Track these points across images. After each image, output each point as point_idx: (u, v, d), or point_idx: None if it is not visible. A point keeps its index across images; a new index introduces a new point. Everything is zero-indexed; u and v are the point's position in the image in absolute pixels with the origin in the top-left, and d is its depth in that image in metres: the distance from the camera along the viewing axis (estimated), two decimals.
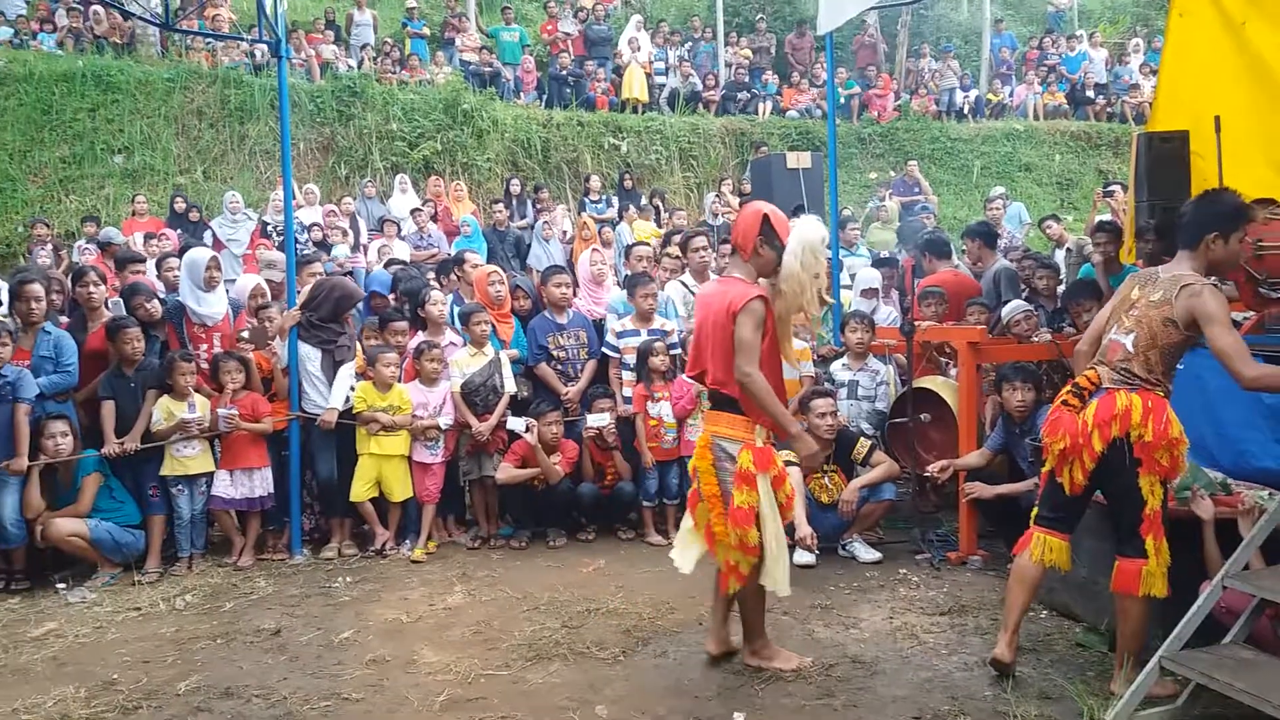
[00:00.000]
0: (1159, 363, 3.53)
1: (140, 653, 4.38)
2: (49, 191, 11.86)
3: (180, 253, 7.15)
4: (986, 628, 4.34)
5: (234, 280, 7.17)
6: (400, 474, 5.94)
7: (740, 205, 12.07)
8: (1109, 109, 17.00)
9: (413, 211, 11.39)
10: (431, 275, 7.66)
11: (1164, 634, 3.36)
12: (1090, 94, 16.98)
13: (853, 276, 7.89)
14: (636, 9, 18.48)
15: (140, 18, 11.46)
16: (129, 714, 3.78)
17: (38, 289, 5.58)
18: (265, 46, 10.78)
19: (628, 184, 13.25)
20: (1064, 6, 19.72)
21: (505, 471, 5.85)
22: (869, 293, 7.29)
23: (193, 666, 4.20)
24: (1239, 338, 3.44)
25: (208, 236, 10.37)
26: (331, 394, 5.90)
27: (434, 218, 11.47)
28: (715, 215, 12.48)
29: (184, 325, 6.03)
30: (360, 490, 5.87)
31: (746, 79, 16.35)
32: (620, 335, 6.31)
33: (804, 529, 4.94)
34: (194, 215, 11.01)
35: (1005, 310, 5.95)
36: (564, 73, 15.26)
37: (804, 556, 5.25)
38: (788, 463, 4.26)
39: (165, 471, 5.63)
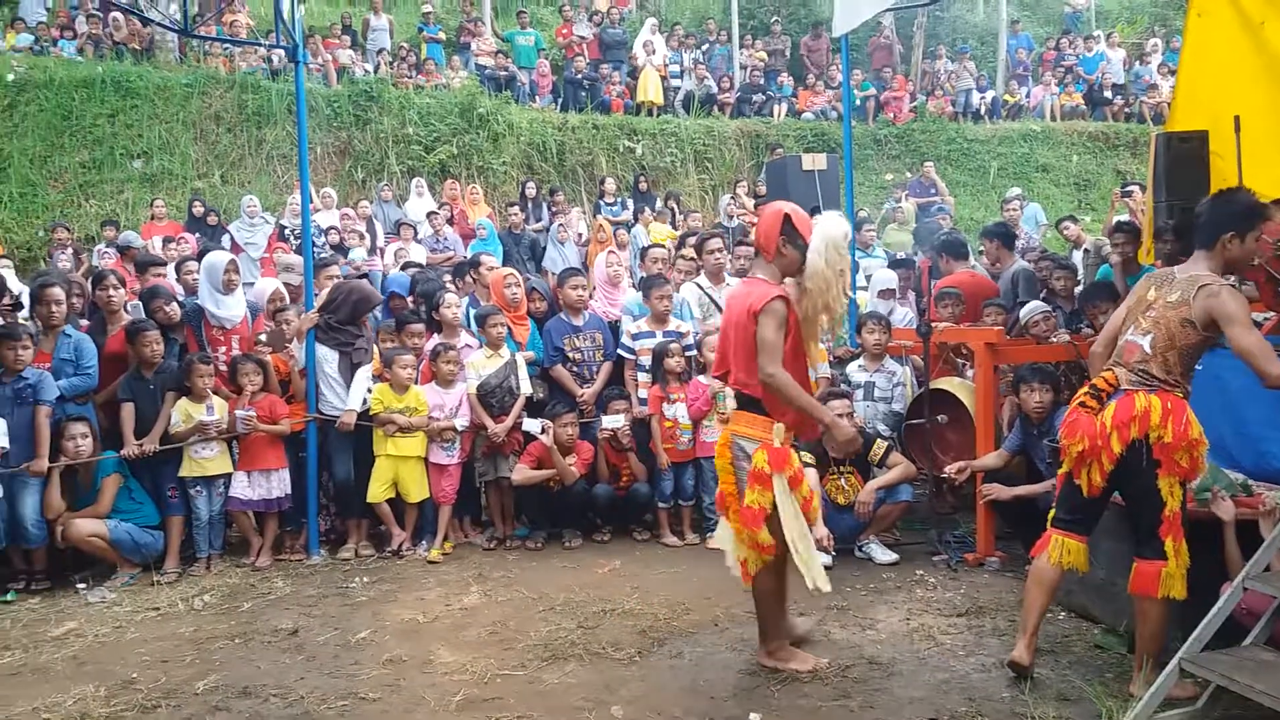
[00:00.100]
0: (1178, 364, 3.51)
1: (159, 652, 4.41)
2: (69, 196, 11.99)
3: (199, 256, 7.20)
4: (1004, 629, 4.32)
5: (252, 283, 7.22)
6: (417, 475, 5.96)
7: (755, 207, 12.11)
8: (1127, 109, 16.87)
9: (429, 215, 11.44)
10: (448, 278, 7.69)
11: (1183, 635, 3.33)
12: (1108, 94, 16.85)
13: (869, 278, 7.87)
14: (651, 12, 18.52)
15: (159, 24, 11.61)
16: (148, 713, 3.80)
17: (58, 292, 5.65)
18: (282, 52, 10.83)
19: (643, 186, 13.29)
20: (1081, 7, 19.57)
21: (521, 473, 5.86)
22: (886, 294, 7.26)
23: (211, 666, 4.23)
24: (1261, 337, 3.41)
25: (226, 240, 10.42)
26: (349, 396, 5.94)
27: (450, 221, 11.50)
28: (730, 217, 12.47)
29: (202, 328, 6.08)
30: (377, 491, 5.90)
31: (761, 81, 16.32)
32: (635, 337, 6.32)
33: (820, 530, 4.93)
34: (212, 219, 11.08)
35: (1023, 311, 5.91)
36: (579, 76, 15.28)
37: (820, 558, 5.22)
38: (805, 464, 4.26)
39: (184, 473, 5.68)
